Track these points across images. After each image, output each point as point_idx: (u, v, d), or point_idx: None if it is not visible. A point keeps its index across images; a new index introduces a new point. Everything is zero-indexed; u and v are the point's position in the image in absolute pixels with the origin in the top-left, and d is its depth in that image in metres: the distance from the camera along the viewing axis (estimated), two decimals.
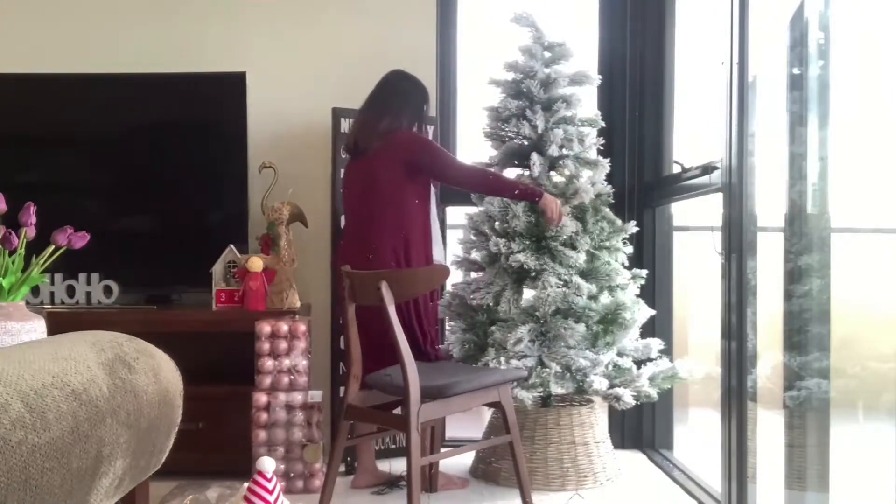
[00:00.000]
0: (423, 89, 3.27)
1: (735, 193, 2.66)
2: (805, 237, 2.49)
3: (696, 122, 3.64)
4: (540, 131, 3.28)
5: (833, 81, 2.45)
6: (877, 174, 2.46)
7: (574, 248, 3.17)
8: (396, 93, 3.20)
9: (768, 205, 2.68)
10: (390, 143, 3.08)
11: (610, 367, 3.14)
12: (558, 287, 3.14)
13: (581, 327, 3.10)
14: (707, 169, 2.98)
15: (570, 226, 3.17)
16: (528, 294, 3.24)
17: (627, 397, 3.08)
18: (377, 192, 3.07)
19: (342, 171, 3.53)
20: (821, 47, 2.47)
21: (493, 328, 3.16)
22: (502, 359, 3.07)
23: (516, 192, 3.09)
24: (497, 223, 3.27)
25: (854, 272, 2.57)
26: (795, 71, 2.54)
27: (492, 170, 3.27)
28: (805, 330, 2.49)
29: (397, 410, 2.73)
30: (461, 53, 3.97)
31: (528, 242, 3.18)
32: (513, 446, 2.71)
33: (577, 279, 3.15)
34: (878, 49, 2.45)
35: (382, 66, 3.83)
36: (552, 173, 3.34)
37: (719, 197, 2.79)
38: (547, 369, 3.08)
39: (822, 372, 2.43)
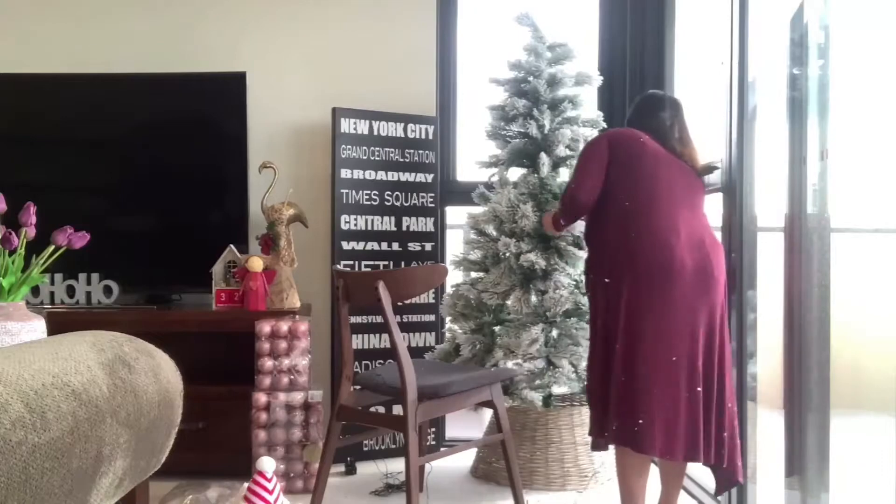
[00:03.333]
0: None
1: (735, 193, 2.66)
2: (805, 237, 2.49)
3: (695, 122, 3.63)
4: (546, 131, 3.28)
5: (833, 81, 2.45)
6: (877, 174, 2.46)
7: (580, 247, 3.17)
8: None
9: (768, 205, 2.68)
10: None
11: None
12: (569, 287, 3.14)
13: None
14: (707, 169, 2.97)
15: (577, 225, 3.16)
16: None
17: None
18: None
19: (342, 171, 3.53)
20: (821, 47, 2.47)
21: (498, 328, 3.16)
22: (510, 362, 3.07)
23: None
24: (505, 223, 3.26)
25: (854, 272, 2.57)
26: (795, 71, 2.54)
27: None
28: (805, 330, 2.49)
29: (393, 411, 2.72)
30: (461, 53, 3.97)
31: (536, 242, 3.18)
32: (505, 445, 2.70)
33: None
34: (877, 49, 2.45)
35: (382, 66, 3.84)
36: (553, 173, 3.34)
37: (719, 197, 2.79)
38: (559, 369, 3.08)
39: (822, 372, 2.43)
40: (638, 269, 2.46)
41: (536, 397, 3.03)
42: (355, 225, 3.56)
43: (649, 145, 2.61)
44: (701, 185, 2.65)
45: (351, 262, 3.53)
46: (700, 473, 3.26)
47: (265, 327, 3.15)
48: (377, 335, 3.58)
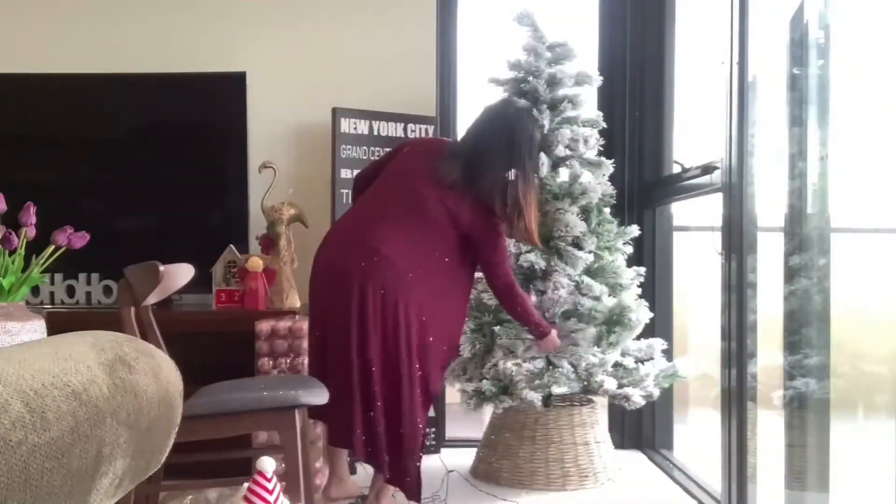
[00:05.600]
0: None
1: (735, 193, 2.66)
2: (805, 237, 2.49)
3: (696, 122, 3.64)
4: (546, 131, 3.28)
5: (833, 81, 2.45)
6: (877, 174, 2.46)
7: (580, 248, 3.17)
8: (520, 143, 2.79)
9: (768, 205, 2.68)
10: (476, 203, 2.72)
11: (613, 368, 3.15)
12: (569, 287, 3.14)
13: (591, 328, 3.10)
14: (707, 169, 2.98)
15: (578, 225, 3.16)
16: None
17: (637, 397, 3.09)
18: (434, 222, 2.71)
19: (342, 171, 3.53)
20: (821, 47, 2.47)
21: (498, 328, 3.16)
22: (510, 363, 3.07)
23: (530, 327, 2.95)
24: None
25: (854, 272, 2.57)
26: (795, 71, 2.54)
27: (520, 296, 2.91)
28: (805, 330, 2.49)
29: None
30: (461, 53, 3.97)
31: None
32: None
33: (587, 279, 3.16)
34: (877, 49, 2.45)
35: (382, 65, 3.84)
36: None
37: (719, 197, 2.79)
38: (559, 369, 3.09)
39: (821, 372, 2.43)
40: None
41: (536, 397, 3.03)
42: None
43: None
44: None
45: None
46: (700, 473, 3.26)
47: (265, 327, 3.14)
48: None
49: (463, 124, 3.96)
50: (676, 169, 3.46)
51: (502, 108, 2.88)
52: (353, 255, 2.65)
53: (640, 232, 3.41)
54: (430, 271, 2.69)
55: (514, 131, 2.79)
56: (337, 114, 3.53)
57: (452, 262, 2.74)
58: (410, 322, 2.63)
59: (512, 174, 2.72)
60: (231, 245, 3.46)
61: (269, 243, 3.44)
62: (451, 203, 2.70)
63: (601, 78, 3.44)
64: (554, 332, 3.00)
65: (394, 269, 2.62)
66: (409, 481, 2.70)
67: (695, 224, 3.75)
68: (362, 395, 2.62)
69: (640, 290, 3.34)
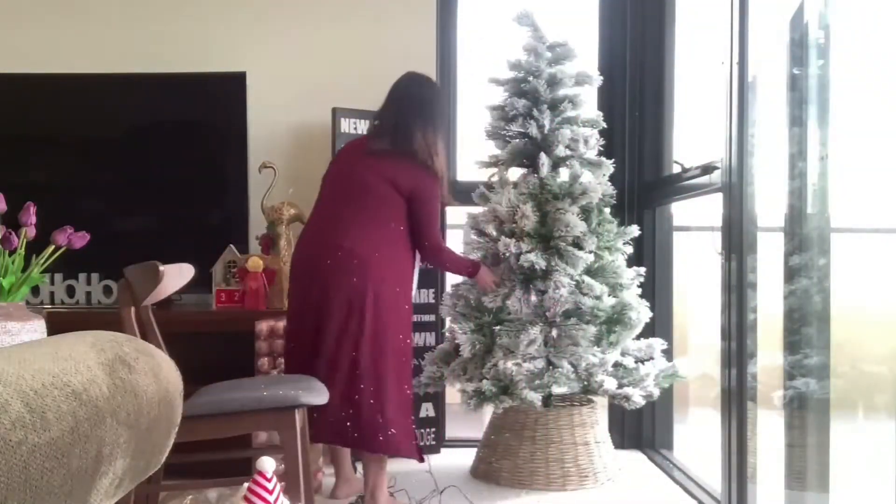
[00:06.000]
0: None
1: (735, 193, 2.66)
2: (805, 237, 2.49)
3: (696, 122, 3.64)
4: (546, 131, 3.28)
5: (833, 81, 2.45)
6: (877, 174, 2.46)
7: (580, 248, 3.17)
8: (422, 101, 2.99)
9: (768, 205, 2.68)
10: (403, 161, 2.88)
11: (613, 367, 3.15)
12: (570, 287, 3.14)
13: (592, 328, 3.10)
14: (707, 169, 2.98)
15: (578, 225, 3.16)
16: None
17: (637, 397, 3.09)
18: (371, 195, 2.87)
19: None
20: (821, 47, 2.47)
21: (498, 328, 3.16)
22: (511, 363, 3.07)
23: (463, 273, 3.15)
24: (504, 223, 3.25)
25: (854, 272, 2.57)
26: (795, 71, 2.54)
27: (447, 252, 3.05)
28: (805, 330, 2.49)
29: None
30: (461, 53, 3.97)
31: (536, 242, 3.17)
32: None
33: (588, 279, 3.16)
34: (877, 49, 2.45)
35: (382, 65, 3.82)
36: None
37: (719, 197, 2.79)
38: (559, 369, 3.09)
39: (821, 372, 2.43)
40: None
41: (536, 397, 3.02)
42: None
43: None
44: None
45: None
46: (700, 473, 3.26)
47: (265, 327, 3.14)
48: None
49: (463, 124, 3.97)
50: (676, 169, 3.45)
51: (403, 80, 3.04)
52: (319, 256, 2.82)
53: (640, 232, 3.41)
54: (392, 242, 2.86)
55: (421, 94, 3.00)
56: (337, 114, 3.53)
57: (407, 229, 2.90)
58: (379, 295, 2.77)
59: (430, 129, 2.91)
60: (231, 245, 3.46)
61: (269, 243, 3.44)
62: (389, 171, 2.85)
63: (601, 78, 3.44)
64: (484, 268, 3.16)
65: (359, 257, 2.77)
66: (416, 443, 2.87)
67: (695, 224, 3.75)
68: (345, 382, 2.73)
69: (640, 290, 3.34)
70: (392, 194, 2.84)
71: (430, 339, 3.69)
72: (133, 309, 2.27)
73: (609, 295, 3.19)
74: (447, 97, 3.15)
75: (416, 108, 2.94)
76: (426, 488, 3.11)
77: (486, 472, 3.30)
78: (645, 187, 3.83)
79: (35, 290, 3.33)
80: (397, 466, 3.36)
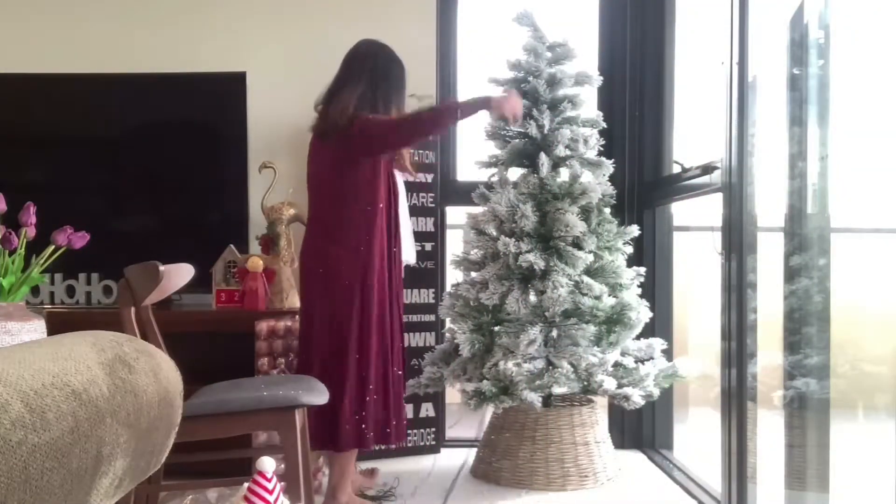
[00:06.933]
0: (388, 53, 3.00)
1: (735, 193, 2.66)
2: (805, 237, 2.49)
3: (696, 122, 3.64)
4: (546, 131, 3.28)
5: (833, 81, 2.45)
6: (877, 174, 2.46)
7: (580, 248, 3.17)
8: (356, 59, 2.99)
9: (768, 205, 2.68)
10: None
11: (613, 368, 3.15)
12: (568, 287, 3.14)
13: (591, 328, 3.10)
14: (707, 169, 2.98)
15: (578, 225, 3.16)
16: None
17: (637, 397, 3.08)
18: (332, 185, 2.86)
19: None
20: (821, 47, 2.47)
21: (498, 328, 3.16)
22: (511, 363, 3.07)
23: (458, 112, 2.86)
24: (504, 223, 3.25)
25: (854, 272, 2.57)
26: (795, 71, 2.54)
27: (413, 113, 2.93)
28: (805, 330, 2.49)
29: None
30: (461, 53, 3.97)
31: (535, 242, 3.17)
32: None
33: (587, 279, 3.16)
34: (877, 49, 2.45)
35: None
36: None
37: (719, 197, 2.79)
38: (559, 370, 3.08)
39: (821, 372, 2.43)
40: None
41: (536, 397, 3.02)
42: None
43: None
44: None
45: None
46: (700, 473, 3.26)
47: (265, 327, 3.14)
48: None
49: (463, 124, 3.96)
50: (676, 169, 3.45)
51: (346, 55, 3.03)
52: (304, 257, 2.90)
53: (640, 232, 3.41)
54: (350, 217, 2.81)
55: (350, 58, 3.01)
56: None
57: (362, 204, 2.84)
58: (353, 283, 2.78)
59: (360, 87, 2.89)
60: (231, 245, 3.46)
61: (269, 243, 3.44)
62: (332, 151, 2.82)
63: (601, 78, 3.44)
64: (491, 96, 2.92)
65: (321, 245, 2.82)
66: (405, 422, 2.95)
67: (695, 224, 3.75)
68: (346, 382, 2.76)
69: (640, 290, 3.34)
70: (344, 166, 2.80)
71: (429, 339, 3.69)
72: (133, 309, 2.28)
73: (609, 295, 3.19)
74: (380, 47, 3.01)
75: (343, 70, 2.97)
76: (427, 488, 3.11)
77: (486, 472, 3.30)
78: (645, 187, 3.83)
79: (35, 290, 3.33)
80: (397, 467, 3.37)
